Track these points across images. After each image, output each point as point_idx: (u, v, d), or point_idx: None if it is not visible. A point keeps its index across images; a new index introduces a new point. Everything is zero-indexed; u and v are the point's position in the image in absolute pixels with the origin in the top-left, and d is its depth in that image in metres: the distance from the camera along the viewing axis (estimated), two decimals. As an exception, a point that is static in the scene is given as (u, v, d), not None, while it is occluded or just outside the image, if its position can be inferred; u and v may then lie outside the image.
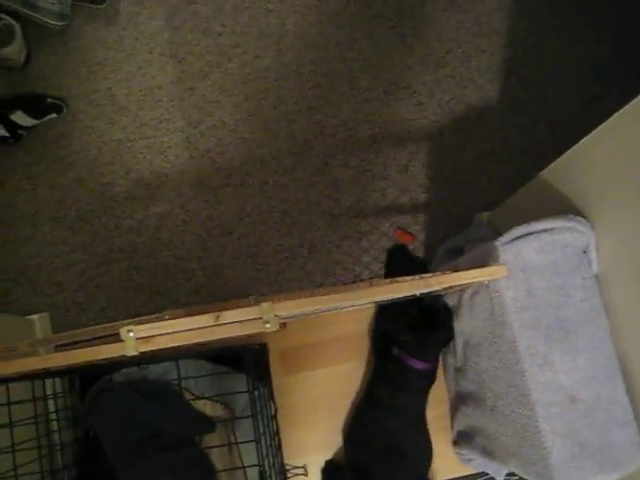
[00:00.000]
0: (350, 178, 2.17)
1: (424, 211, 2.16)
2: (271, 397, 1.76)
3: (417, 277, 1.20)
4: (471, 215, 2.10)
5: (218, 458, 1.54)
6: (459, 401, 1.73)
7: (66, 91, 2.20)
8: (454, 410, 1.77)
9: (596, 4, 2.30)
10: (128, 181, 2.16)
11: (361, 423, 1.73)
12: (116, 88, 2.21)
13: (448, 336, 1.67)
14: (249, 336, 1.64)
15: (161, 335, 1.09)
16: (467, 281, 1.21)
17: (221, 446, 1.52)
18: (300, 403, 1.79)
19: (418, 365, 1.61)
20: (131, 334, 1.08)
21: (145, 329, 1.08)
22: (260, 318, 1.09)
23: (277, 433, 1.74)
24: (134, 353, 1.08)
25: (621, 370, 1.30)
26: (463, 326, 1.58)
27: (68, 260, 2.11)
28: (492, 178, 2.19)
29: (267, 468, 1.39)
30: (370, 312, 1.81)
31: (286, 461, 1.76)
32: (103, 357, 1.13)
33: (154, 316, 1.56)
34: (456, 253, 1.82)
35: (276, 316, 1.09)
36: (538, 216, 1.30)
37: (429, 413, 1.75)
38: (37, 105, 2.12)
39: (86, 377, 1.62)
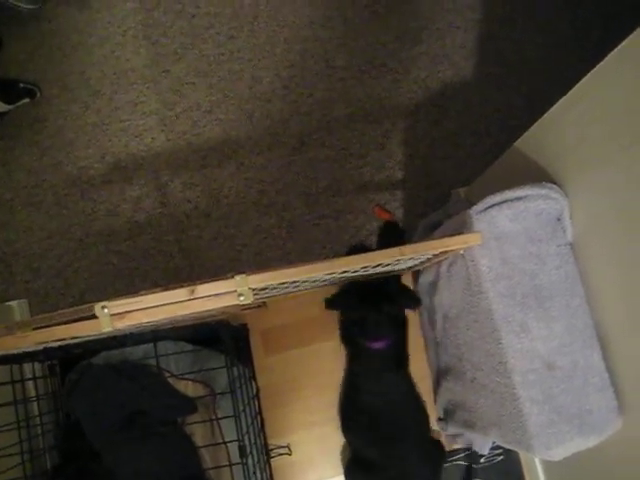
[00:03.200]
0: (327, 157, 2.17)
1: (402, 188, 2.15)
2: (252, 377, 1.76)
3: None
4: (449, 191, 2.10)
5: (201, 438, 1.54)
6: (441, 376, 1.74)
7: (39, 75, 2.18)
8: (436, 386, 1.79)
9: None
10: (104, 165, 2.15)
11: (347, 409, 1.73)
12: (90, 72, 2.20)
13: (396, 309, 1.61)
14: (230, 317, 1.67)
15: (136, 311, 1.09)
16: (441, 249, 1.20)
17: (202, 422, 1.52)
18: (282, 383, 1.80)
19: (374, 345, 1.59)
20: (105, 310, 1.07)
21: (119, 305, 1.08)
22: (234, 291, 1.08)
23: (259, 412, 1.75)
24: (109, 329, 1.07)
25: (597, 336, 1.30)
26: (441, 299, 1.59)
27: (45, 245, 2.10)
28: (469, 153, 2.19)
29: (248, 444, 1.40)
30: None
31: (270, 441, 1.76)
32: (78, 334, 1.12)
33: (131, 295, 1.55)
34: (435, 229, 1.82)
35: (250, 289, 1.08)
36: (514, 186, 1.30)
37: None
38: (10, 90, 2.10)
39: (66, 363, 1.62)
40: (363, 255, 1.15)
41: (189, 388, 1.57)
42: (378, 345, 1.59)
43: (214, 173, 2.14)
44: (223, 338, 1.42)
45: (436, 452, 1.74)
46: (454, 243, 1.21)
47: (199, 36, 2.22)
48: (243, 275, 1.09)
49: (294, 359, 1.81)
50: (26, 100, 2.12)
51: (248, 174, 2.15)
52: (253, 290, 1.10)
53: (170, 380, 1.55)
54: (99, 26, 2.21)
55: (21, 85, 2.10)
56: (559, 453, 1.26)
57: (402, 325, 1.70)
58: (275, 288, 1.28)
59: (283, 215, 2.13)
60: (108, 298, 1.08)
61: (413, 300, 1.60)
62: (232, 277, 1.09)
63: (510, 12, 2.27)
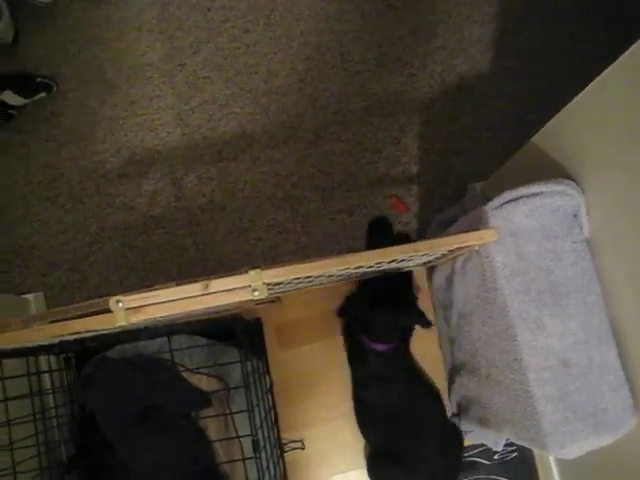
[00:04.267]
0: (342, 151, 2.16)
1: (417, 183, 2.14)
2: (266, 371, 1.76)
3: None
4: (465, 186, 2.08)
5: (215, 432, 1.54)
6: (455, 373, 1.73)
7: (56, 70, 2.19)
8: (450, 382, 1.78)
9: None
10: (120, 159, 2.15)
11: (361, 407, 1.73)
12: (106, 66, 2.21)
13: (410, 319, 1.61)
14: (244, 312, 1.67)
15: (150, 305, 1.09)
16: (456, 245, 1.20)
17: (216, 416, 1.52)
18: (296, 377, 1.79)
19: (378, 347, 1.59)
20: (120, 304, 1.07)
21: (134, 299, 1.08)
22: (249, 286, 1.08)
23: (273, 407, 1.74)
24: (123, 323, 1.08)
25: (613, 334, 1.29)
26: (456, 295, 1.58)
27: (61, 239, 2.11)
28: (486, 148, 2.17)
29: (261, 439, 1.40)
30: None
31: (284, 435, 1.76)
32: (93, 328, 1.13)
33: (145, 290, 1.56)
34: (450, 225, 1.81)
35: (264, 284, 1.08)
36: (530, 182, 1.29)
37: None
38: (27, 84, 2.11)
39: (82, 356, 1.62)
40: (376, 251, 1.14)
41: (203, 382, 1.57)
42: (380, 348, 1.59)
43: (229, 167, 2.14)
44: (236, 332, 1.42)
45: (454, 437, 1.75)
46: (469, 239, 1.20)
47: (214, 30, 2.22)
48: (257, 270, 1.08)
49: (308, 354, 1.80)
50: (43, 94, 2.13)
51: (263, 168, 2.15)
52: (267, 285, 1.10)
53: (184, 374, 1.55)
54: (115, 20, 2.22)
55: (38, 79, 2.11)
56: (573, 451, 1.25)
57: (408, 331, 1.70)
58: (289, 283, 1.27)
59: (298, 209, 2.12)
60: (123, 292, 1.08)
61: (424, 320, 1.59)
62: (246, 272, 1.09)
63: (528, 6, 2.25)
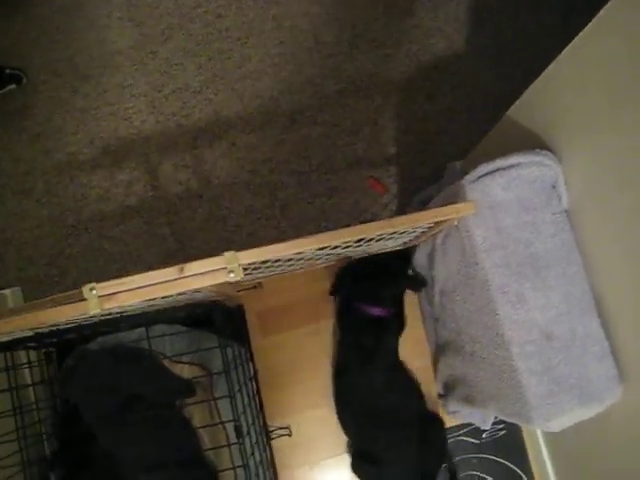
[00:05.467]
0: (319, 134, 2.14)
1: (396, 164, 2.13)
2: (250, 358, 1.74)
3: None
4: (445, 166, 2.05)
5: (199, 420, 1.53)
6: (440, 352, 1.72)
7: (26, 61, 2.15)
8: (436, 362, 1.77)
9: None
10: (94, 149, 2.12)
11: (341, 397, 1.74)
12: (77, 56, 2.17)
13: (400, 286, 1.69)
14: (225, 299, 1.65)
15: (125, 291, 1.07)
16: (433, 220, 1.18)
17: (200, 403, 1.51)
18: (281, 364, 1.78)
19: (374, 311, 1.62)
20: (93, 292, 1.05)
21: (108, 286, 1.06)
22: (224, 268, 1.07)
23: (258, 394, 1.73)
24: (97, 311, 1.06)
25: (595, 304, 1.28)
26: (438, 273, 1.56)
27: (37, 233, 2.08)
28: (464, 127, 2.16)
29: (245, 425, 1.38)
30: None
31: (270, 422, 1.75)
32: (67, 317, 1.10)
33: (120, 277, 1.54)
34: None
35: (240, 266, 1.07)
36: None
37: (412, 364, 1.78)
38: (-4, 76, 2.07)
39: (63, 350, 1.60)
40: (351, 228, 1.13)
41: (185, 371, 1.56)
42: (378, 312, 1.61)
43: (205, 154, 2.12)
44: (214, 318, 1.40)
45: (436, 432, 1.75)
46: (447, 213, 1.18)
47: (186, 15, 2.19)
48: (232, 252, 1.07)
49: (292, 340, 1.79)
50: (12, 86, 2.09)
51: (239, 154, 2.12)
52: (243, 267, 1.09)
53: (166, 363, 1.53)
54: (85, 9, 2.18)
55: (7, 71, 2.07)
56: (559, 424, 1.24)
57: (401, 302, 1.74)
58: (268, 267, 1.26)
59: (276, 194, 2.10)
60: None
61: (417, 282, 1.66)
62: (221, 254, 1.08)
63: (503, -18, 2.23)
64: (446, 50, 2.19)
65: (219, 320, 1.42)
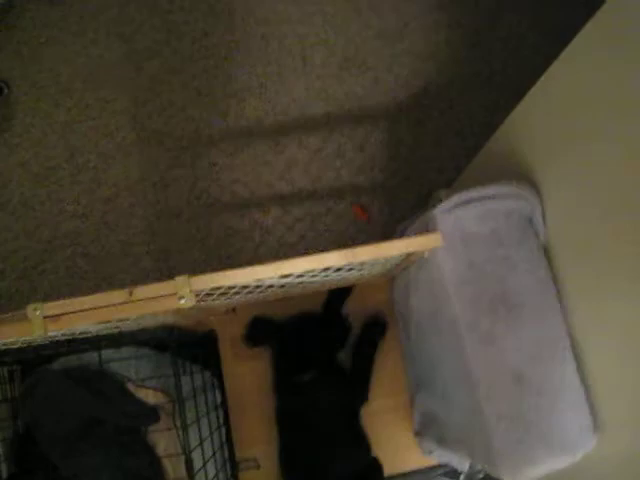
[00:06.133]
0: (304, 158, 2.09)
1: (382, 191, 2.07)
2: (219, 385, 1.68)
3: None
4: (430, 193, 2.01)
5: (163, 448, 1.46)
6: (416, 389, 1.65)
7: (7, 72, 2.12)
8: (413, 399, 1.70)
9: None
10: (73, 165, 2.08)
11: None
12: (61, 68, 2.13)
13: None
14: (197, 324, 1.60)
15: (71, 313, 1.03)
16: (400, 251, 1.12)
17: (163, 431, 1.45)
18: (252, 392, 1.70)
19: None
20: (38, 312, 1.02)
21: (53, 306, 1.03)
22: (175, 294, 1.03)
23: (225, 423, 1.67)
24: (41, 334, 1.02)
25: (571, 347, 1.21)
26: (412, 307, 1.50)
27: (11, 247, 2.03)
28: (453, 153, 2.10)
29: (201, 457, 1.35)
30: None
31: (239, 453, 1.68)
32: (7, 339, 1.06)
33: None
34: (413, 233, 1.75)
35: (192, 292, 1.03)
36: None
37: (388, 401, 1.69)
38: (-25, 87, 2.04)
39: (29, 368, 1.55)
40: (310, 257, 1.08)
41: (150, 396, 1.50)
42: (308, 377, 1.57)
43: (186, 173, 2.07)
44: (170, 346, 1.35)
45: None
46: (412, 245, 1.12)
47: (173, 32, 2.16)
48: (184, 276, 1.03)
49: (265, 367, 1.72)
50: (-7, 97, 2.06)
51: (221, 174, 2.07)
52: (196, 294, 1.04)
53: (130, 387, 1.47)
54: (71, 21, 2.15)
55: (-13, 82, 2.05)
56: (528, 474, 1.17)
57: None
58: (225, 293, 1.21)
59: (256, 217, 2.05)
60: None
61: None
62: (173, 278, 1.03)
63: (499, 8, 2.19)
64: (437, 75, 2.15)
65: (173, 346, 1.36)
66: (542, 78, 1.11)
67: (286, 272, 1.08)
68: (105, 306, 1.05)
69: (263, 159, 2.08)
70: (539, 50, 2.15)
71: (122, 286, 1.90)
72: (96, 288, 1.97)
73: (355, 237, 2.04)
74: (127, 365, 1.48)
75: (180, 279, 1.03)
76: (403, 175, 2.09)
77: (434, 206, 1.82)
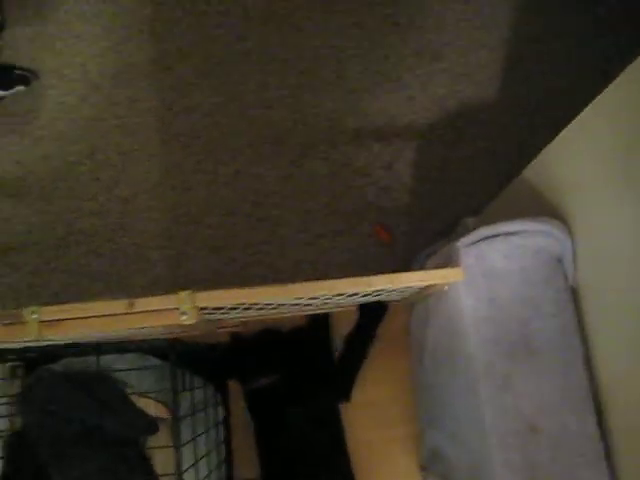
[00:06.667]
0: (329, 172, 2.04)
1: (407, 213, 2.02)
2: (223, 401, 1.63)
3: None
4: (458, 220, 1.93)
5: (159, 463, 1.41)
6: (426, 422, 1.59)
7: (38, 64, 2.11)
8: (422, 432, 1.63)
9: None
10: (94, 161, 2.05)
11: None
12: (90, 64, 2.11)
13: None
14: (205, 336, 1.56)
15: (69, 320, 1.01)
16: (416, 284, 1.07)
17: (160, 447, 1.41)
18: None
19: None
20: (34, 316, 1.00)
21: (51, 311, 1.01)
22: (177, 309, 1.01)
23: (225, 441, 1.61)
24: (34, 338, 1.01)
25: (593, 399, 1.14)
26: (428, 336, 1.44)
27: (25, 240, 2.01)
28: (485, 180, 2.03)
29: (194, 477, 1.29)
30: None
31: (240, 472, 1.62)
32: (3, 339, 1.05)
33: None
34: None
35: (196, 308, 1.01)
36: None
37: (397, 431, 1.64)
38: (4, 75, 2.03)
39: (33, 365, 1.49)
40: (324, 282, 1.04)
41: (150, 406, 1.45)
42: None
43: (208, 179, 2.03)
44: (170, 360, 1.31)
45: None
46: (432, 278, 1.07)
47: (207, 35, 2.12)
48: (189, 292, 1.01)
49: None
50: (21, 88, 2.04)
51: (243, 184, 2.03)
52: (201, 309, 1.02)
53: (131, 395, 1.42)
54: (105, 17, 2.13)
55: (17, 72, 2.03)
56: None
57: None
58: (235, 308, 1.16)
59: (276, 230, 2.00)
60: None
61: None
62: (176, 293, 1.02)
63: (542, 33, 2.13)
64: (473, 97, 2.09)
65: (173, 360, 1.33)
66: (581, 115, 1.04)
67: (296, 296, 1.03)
68: (104, 315, 1.01)
69: (287, 171, 2.04)
70: (581, 80, 2.07)
71: (132, 291, 1.88)
72: (105, 291, 1.95)
73: (376, 259, 1.98)
74: (129, 373, 1.44)
75: (184, 294, 1.00)
76: (430, 198, 2.03)
77: (459, 235, 1.77)
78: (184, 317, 0.99)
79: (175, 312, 1.00)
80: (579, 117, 1.09)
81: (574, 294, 1.18)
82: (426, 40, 2.12)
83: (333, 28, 2.12)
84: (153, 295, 1.81)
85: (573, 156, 1.15)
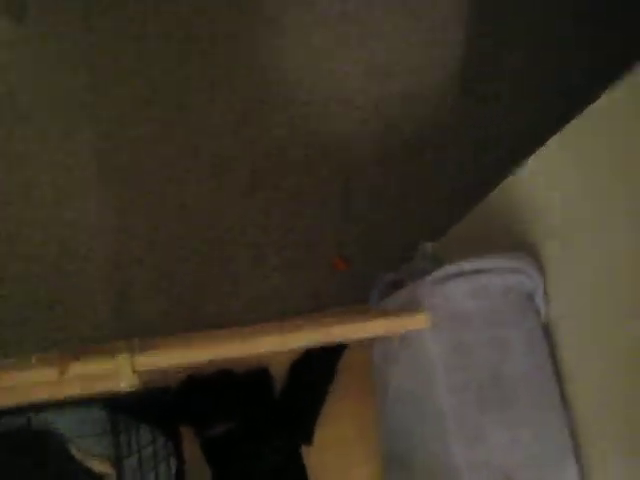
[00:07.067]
0: (281, 202, 1.98)
1: (364, 240, 1.97)
2: (176, 450, 1.52)
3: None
4: (417, 245, 1.87)
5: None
6: (390, 464, 1.49)
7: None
8: (386, 472, 1.53)
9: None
10: (26, 200, 1.94)
11: None
12: (20, 94, 1.99)
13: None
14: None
15: None
16: (375, 334, 0.98)
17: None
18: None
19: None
20: None
21: None
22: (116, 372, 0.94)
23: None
24: None
25: (573, 446, 1.07)
26: (392, 375, 1.35)
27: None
28: (444, 202, 1.99)
29: None
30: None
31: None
32: None
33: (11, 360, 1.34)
34: (395, 288, 1.61)
35: (136, 372, 0.93)
36: (486, 248, 1.16)
37: (361, 471, 1.57)
38: None
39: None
40: (278, 337, 0.96)
41: (95, 463, 1.35)
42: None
43: (150, 214, 1.94)
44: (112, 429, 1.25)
45: None
46: (393, 326, 0.98)
47: (147, 61, 2.03)
48: (126, 355, 0.92)
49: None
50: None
51: (190, 217, 1.95)
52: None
53: (76, 452, 1.32)
54: (34, 43, 2.02)
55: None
56: None
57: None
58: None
59: (228, 267, 1.93)
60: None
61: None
62: (113, 355, 0.92)
63: (495, 49, 2.10)
64: (430, 117, 2.06)
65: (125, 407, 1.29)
66: (550, 141, 0.97)
67: (246, 353, 0.95)
68: (32, 385, 0.94)
69: (235, 203, 1.98)
70: (544, 103, 2.06)
71: (72, 345, 1.77)
72: (43, 341, 1.83)
73: (334, 290, 1.93)
74: (70, 428, 1.33)
75: (121, 357, 0.92)
76: (388, 223, 1.99)
77: (419, 261, 1.72)
78: (122, 384, 0.92)
79: (114, 378, 0.93)
80: (547, 143, 1.03)
81: (547, 332, 1.12)
82: (376, 59, 2.07)
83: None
84: (96, 344, 1.72)
85: (537, 187, 1.11)
